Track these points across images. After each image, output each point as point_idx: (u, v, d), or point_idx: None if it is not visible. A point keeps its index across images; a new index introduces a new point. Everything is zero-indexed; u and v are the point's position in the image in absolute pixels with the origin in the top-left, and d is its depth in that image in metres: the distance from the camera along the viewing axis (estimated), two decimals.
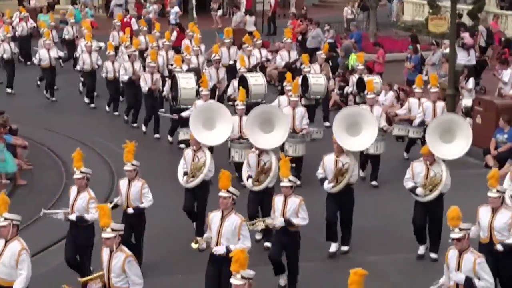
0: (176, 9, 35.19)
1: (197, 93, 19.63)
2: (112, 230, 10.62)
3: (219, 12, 38.52)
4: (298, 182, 13.53)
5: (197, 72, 21.58)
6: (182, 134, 18.67)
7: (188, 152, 14.90)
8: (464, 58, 25.53)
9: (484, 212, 11.87)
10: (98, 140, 21.26)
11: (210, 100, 18.57)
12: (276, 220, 12.65)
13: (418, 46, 26.64)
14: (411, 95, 21.24)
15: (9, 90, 26.57)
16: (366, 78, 20.60)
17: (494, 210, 11.77)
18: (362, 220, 15.06)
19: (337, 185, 14.09)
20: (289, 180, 12.73)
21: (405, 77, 25.22)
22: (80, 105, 24.97)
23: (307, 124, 18.06)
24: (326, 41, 29.05)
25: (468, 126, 14.58)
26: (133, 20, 30.35)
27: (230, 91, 20.89)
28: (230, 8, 41.21)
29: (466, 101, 22.04)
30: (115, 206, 13.79)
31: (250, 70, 22.12)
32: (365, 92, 19.08)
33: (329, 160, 14.24)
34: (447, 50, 23.73)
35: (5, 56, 26.71)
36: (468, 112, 21.21)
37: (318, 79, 20.91)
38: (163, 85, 21.53)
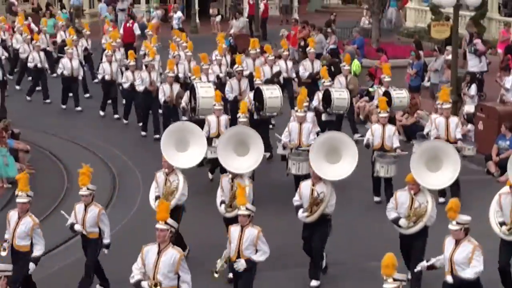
0: (179, 14, 35.22)
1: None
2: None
3: (218, 18, 38.37)
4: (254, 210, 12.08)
5: (219, 84, 21.29)
6: (209, 153, 16.86)
7: (160, 175, 14.18)
8: (476, 65, 25.49)
9: (448, 243, 11.28)
10: (99, 144, 21.25)
11: (210, 118, 17.96)
12: (238, 264, 11.79)
13: (420, 52, 26.63)
14: (413, 101, 21.26)
15: (28, 98, 25.95)
16: (393, 92, 20.00)
17: (457, 242, 11.15)
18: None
19: (311, 215, 13.25)
20: (247, 209, 11.82)
21: (407, 83, 25.19)
22: (82, 110, 24.92)
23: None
24: (328, 47, 29.08)
25: (456, 154, 13.53)
26: (136, 25, 30.35)
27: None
28: (232, 13, 41.21)
29: (468, 108, 22.01)
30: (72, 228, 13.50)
31: (271, 81, 21.74)
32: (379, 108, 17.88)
33: (305, 187, 13.44)
34: (450, 57, 23.71)
35: (31, 65, 25.65)
36: (470, 119, 21.19)
37: (341, 93, 20.09)
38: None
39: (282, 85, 22.25)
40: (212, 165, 17.79)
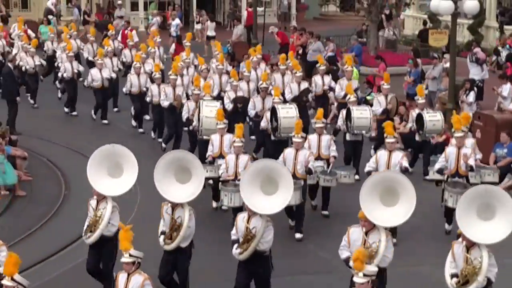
0: (177, 21, 35.22)
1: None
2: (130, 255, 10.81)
3: (199, 26, 37.62)
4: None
5: (245, 102, 20.59)
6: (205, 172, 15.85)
7: (93, 202, 13.20)
8: (478, 73, 25.49)
9: None
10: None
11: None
12: None
13: (418, 60, 26.67)
14: (410, 109, 21.25)
15: (66, 110, 25.25)
16: (426, 114, 18.93)
17: None
18: None
19: (244, 252, 12.09)
20: (130, 255, 10.81)
21: (405, 91, 25.22)
22: (79, 116, 24.92)
23: (335, 151, 16.84)
24: (326, 55, 29.10)
25: (412, 189, 11.88)
26: (134, 32, 30.34)
27: (263, 124, 19.07)
28: (231, 21, 41.29)
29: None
30: None
31: (299, 99, 20.97)
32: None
33: (241, 220, 12.29)
34: (447, 64, 23.75)
35: (65, 75, 24.88)
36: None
37: (362, 112, 18.73)
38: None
39: (318, 102, 22.08)
40: (213, 191, 17.02)
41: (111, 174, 13.25)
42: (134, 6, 41.49)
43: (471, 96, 22.85)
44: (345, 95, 20.79)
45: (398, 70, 28.12)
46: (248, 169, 12.77)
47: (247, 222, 12.10)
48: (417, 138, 19.29)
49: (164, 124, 21.69)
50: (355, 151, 18.80)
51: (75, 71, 24.82)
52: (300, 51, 30.39)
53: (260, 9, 35.72)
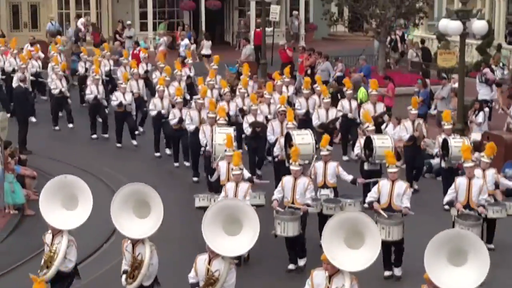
0: (186, 41, 35.33)
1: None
2: None
3: (193, 46, 36.49)
4: None
5: (263, 127, 20.09)
6: (197, 201, 16.19)
7: (48, 237, 12.56)
8: (488, 94, 25.49)
9: None
10: (106, 171, 21.26)
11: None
12: None
13: (427, 80, 26.68)
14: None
15: (94, 136, 24.96)
16: (451, 140, 18.36)
17: None
18: None
19: None
20: None
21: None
22: (88, 135, 24.97)
23: (348, 175, 16.39)
24: (335, 75, 29.15)
25: (377, 231, 11.11)
26: (142, 53, 30.36)
27: (276, 150, 18.64)
28: (239, 41, 41.41)
29: (475, 136, 21.98)
30: None
31: (326, 127, 20.75)
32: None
33: (201, 262, 11.61)
34: (456, 85, 23.75)
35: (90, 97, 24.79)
36: (477, 147, 21.15)
37: (384, 141, 18.00)
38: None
39: (343, 129, 21.89)
40: None
41: (65, 206, 12.42)
42: (143, 26, 41.68)
43: (480, 117, 22.83)
44: (322, 124, 20.91)
45: (406, 90, 28.10)
46: (209, 209, 11.65)
47: (209, 264, 11.41)
48: (443, 164, 18.56)
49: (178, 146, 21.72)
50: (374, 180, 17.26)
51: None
52: (309, 71, 30.44)
53: (269, 30, 35.79)
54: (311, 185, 15.21)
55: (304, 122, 21.55)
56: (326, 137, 16.69)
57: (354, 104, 22.20)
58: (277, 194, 15.17)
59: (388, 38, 34.68)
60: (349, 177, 16.51)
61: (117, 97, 23.60)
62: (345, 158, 21.81)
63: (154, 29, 41.34)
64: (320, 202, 15.80)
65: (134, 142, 23.77)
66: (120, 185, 19.71)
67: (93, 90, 24.67)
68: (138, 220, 12.01)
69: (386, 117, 21.56)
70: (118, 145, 23.74)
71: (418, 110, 22.17)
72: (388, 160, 15.02)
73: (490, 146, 16.13)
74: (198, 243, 14.39)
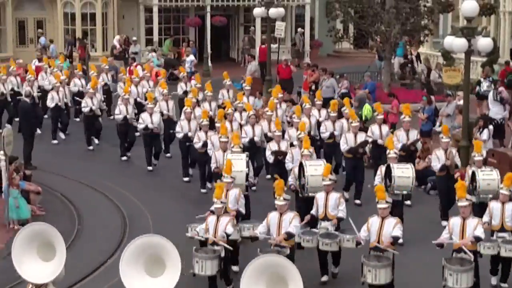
0: (191, 57, 35.40)
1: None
2: None
3: (191, 63, 35.48)
4: None
5: (285, 156, 19.01)
6: (190, 230, 15.24)
7: None
8: (500, 112, 25.41)
9: None
10: (110, 186, 21.26)
11: None
12: None
13: (432, 97, 26.68)
14: (425, 146, 21.21)
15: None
16: (480, 172, 16.86)
17: None
18: None
19: None
20: None
21: (419, 127, 25.19)
22: (91, 151, 25.01)
23: (343, 211, 15.21)
24: (340, 92, 29.17)
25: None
26: (139, 67, 30.34)
27: (291, 180, 17.51)
28: (244, 56, 41.49)
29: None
30: None
31: (355, 151, 19.69)
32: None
33: None
34: (461, 102, 23.74)
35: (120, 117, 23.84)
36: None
37: (404, 171, 16.96)
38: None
39: (375, 156, 20.68)
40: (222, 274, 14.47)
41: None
42: (149, 42, 41.79)
43: (485, 134, 22.78)
44: (403, 147, 19.61)
45: (411, 107, 28.04)
46: (127, 248, 10.43)
47: None
48: (473, 199, 15.86)
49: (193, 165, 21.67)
50: (393, 213, 15.12)
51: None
52: (313, 87, 30.48)
53: (274, 46, 35.87)
54: (296, 219, 14.28)
55: (331, 146, 20.94)
56: (328, 166, 16.01)
57: (385, 129, 20.90)
58: (261, 229, 14.35)
59: (401, 59, 34.72)
60: (341, 215, 15.20)
61: (143, 120, 22.58)
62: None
63: (160, 45, 41.45)
64: (316, 237, 14.80)
65: (155, 162, 23.10)
66: (124, 200, 20.01)
67: (122, 110, 23.76)
68: (41, 263, 10.69)
69: (419, 145, 20.49)
70: (149, 168, 22.82)
71: (423, 127, 22.15)
72: (378, 195, 14.03)
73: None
74: None
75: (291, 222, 14.14)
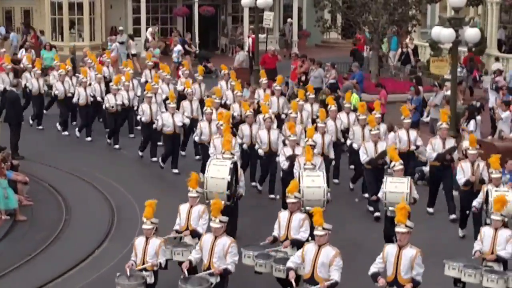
0: (179, 47, 35.31)
1: None
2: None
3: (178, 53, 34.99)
4: None
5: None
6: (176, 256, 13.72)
7: None
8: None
9: None
10: (98, 176, 21.23)
11: None
12: None
13: (420, 87, 26.74)
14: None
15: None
16: (494, 192, 14.70)
17: None
18: None
19: None
20: None
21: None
22: (80, 141, 24.96)
23: (305, 233, 13.50)
24: (328, 82, 29.19)
25: None
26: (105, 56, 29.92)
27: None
28: (233, 47, 41.45)
29: (467, 143, 22.01)
30: None
31: (375, 162, 18.01)
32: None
33: None
34: (449, 92, 23.80)
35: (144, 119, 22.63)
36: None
37: (397, 186, 15.31)
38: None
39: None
40: None
41: None
42: (137, 32, 41.65)
43: (471, 125, 22.87)
44: (438, 157, 18.02)
45: (399, 97, 28.18)
46: None
47: None
48: (488, 221, 14.56)
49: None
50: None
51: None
52: (303, 78, 30.49)
53: (262, 36, 35.84)
54: (307, 221, 13.16)
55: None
56: (294, 182, 14.10)
57: (413, 134, 19.35)
58: (194, 254, 12.82)
59: (399, 51, 34.69)
60: (300, 237, 13.48)
61: (165, 120, 21.26)
62: None
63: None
64: (270, 262, 13.13)
65: (176, 171, 21.39)
66: (112, 190, 19.99)
67: (145, 110, 22.41)
68: None
69: (456, 155, 18.46)
70: (175, 171, 21.30)
71: (410, 118, 21.92)
72: (398, 219, 12.07)
73: (499, 200, 13.29)
74: None
75: (228, 251, 12.37)
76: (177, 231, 14.08)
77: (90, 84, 25.23)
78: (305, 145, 17.22)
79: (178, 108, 22.04)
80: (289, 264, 12.24)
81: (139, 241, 12.90)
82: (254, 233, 16.37)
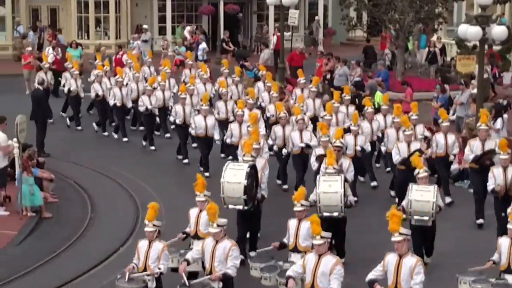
0: (204, 45, 35.32)
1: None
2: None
3: (203, 51, 35.12)
4: None
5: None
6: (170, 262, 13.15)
7: None
8: None
9: None
10: (123, 174, 21.28)
11: None
12: None
13: (446, 85, 26.56)
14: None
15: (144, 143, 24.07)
16: None
17: None
18: None
19: None
20: None
21: (432, 116, 25.09)
22: (105, 138, 25.05)
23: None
24: (353, 80, 29.10)
25: None
26: (125, 56, 29.82)
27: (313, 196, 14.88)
28: (257, 45, 41.41)
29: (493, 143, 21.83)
30: None
31: (403, 163, 17.38)
32: None
33: None
34: (475, 90, 23.62)
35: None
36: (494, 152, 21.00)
37: (423, 194, 14.34)
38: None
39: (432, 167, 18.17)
40: None
41: None
42: (162, 30, 41.77)
43: (498, 123, 22.67)
44: (475, 158, 17.21)
45: (425, 95, 28.02)
46: None
47: None
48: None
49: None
50: (424, 238, 14.60)
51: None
52: (328, 76, 30.41)
53: (287, 34, 35.78)
54: (235, 249, 12.21)
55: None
56: (301, 190, 13.52)
57: (451, 138, 18.66)
58: (193, 255, 12.67)
59: (426, 50, 34.47)
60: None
61: (197, 123, 20.66)
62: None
63: (173, 33, 41.42)
64: (275, 275, 12.79)
65: (206, 174, 20.44)
66: (138, 188, 20.02)
67: (178, 112, 21.97)
68: None
69: (497, 158, 16.86)
70: (206, 174, 20.17)
71: (436, 116, 21.62)
72: (392, 226, 11.60)
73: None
74: None
75: (229, 254, 12.10)
76: (184, 232, 13.83)
77: (126, 84, 25.10)
78: (333, 146, 16.59)
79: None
80: (289, 272, 11.89)
81: (142, 244, 12.54)
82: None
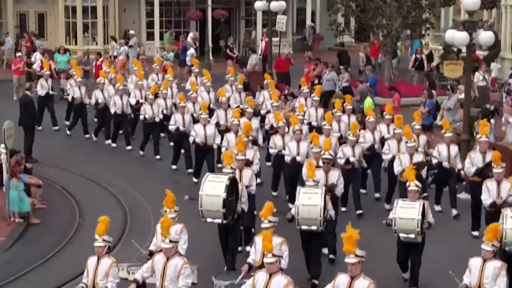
0: (192, 51, 35.31)
1: None
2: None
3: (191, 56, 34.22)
4: None
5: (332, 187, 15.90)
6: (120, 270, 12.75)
7: None
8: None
9: None
10: (111, 180, 21.26)
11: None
12: None
13: (433, 91, 26.66)
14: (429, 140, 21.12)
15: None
16: (509, 219, 13.44)
17: None
18: None
19: None
20: None
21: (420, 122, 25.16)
22: (93, 144, 25.02)
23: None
24: (341, 85, 29.15)
25: None
26: (104, 63, 29.54)
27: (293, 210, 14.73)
28: (245, 50, 41.45)
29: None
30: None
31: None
32: None
33: None
34: (462, 96, 23.72)
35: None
36: None
37: (407, 211, 14.01)
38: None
39: (438, 180, 18.66)
40: None
41: None
42: (150, 36, 41.76)
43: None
44: (477, 171, 16.85)
45: (412, 101, 28.11)
46: None
47: None
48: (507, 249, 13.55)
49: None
50: (410, 253, 14.36)
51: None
52: (316, 81, 30.45)
53: (275, 39, 35.85)
54: (285, 245, 12.33)
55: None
56: (268, 205, 13.09)
57: (454, 149, 18.40)
58: (142, 272, 12.31)
59: (413, 57, 34.52)
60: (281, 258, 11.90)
61: (196, 132, 20.42)
62: (437, 208, 18.53)
63: (161, 38, 41.41)
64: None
65: (195, 180, 20.45)
66: (126, 194, 20.00)
67: (177, 120, 21.64)
68: None
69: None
70: (195, 180, 20.47)
71: (424, 121, 21.80)
72: (346, 248, 11.20)
73: (493, 228, 12.07)
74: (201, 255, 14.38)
75: (181, 273, 11.66)
76: (151, 252, 13.19)
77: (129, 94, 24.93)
78: (321, 158, 16.20)
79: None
80: None
81: (91, 261, 12.06)
82: None
